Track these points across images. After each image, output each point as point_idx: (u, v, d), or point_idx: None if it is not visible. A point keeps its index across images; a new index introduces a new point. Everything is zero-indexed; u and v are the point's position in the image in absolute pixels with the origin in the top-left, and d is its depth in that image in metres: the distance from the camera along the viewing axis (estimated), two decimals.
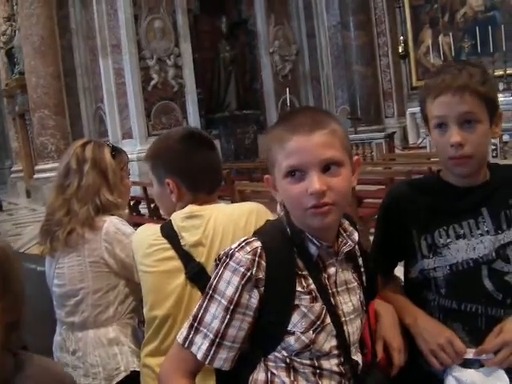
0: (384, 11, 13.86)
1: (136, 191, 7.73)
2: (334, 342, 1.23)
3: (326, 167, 1.19)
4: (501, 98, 10.76)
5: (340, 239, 1.29)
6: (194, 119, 12.20)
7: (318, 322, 1.21)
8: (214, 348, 1.20)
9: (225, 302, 1.20)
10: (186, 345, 1.22)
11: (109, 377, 2.01)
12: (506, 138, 9.40)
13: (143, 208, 8.19)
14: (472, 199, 1.47)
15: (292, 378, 1.22)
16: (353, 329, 1.28)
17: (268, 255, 1.21)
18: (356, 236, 1.31)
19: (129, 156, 2.37)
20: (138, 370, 1.87)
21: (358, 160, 1.28)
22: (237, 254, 1.21)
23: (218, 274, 1.22)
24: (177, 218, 1.62)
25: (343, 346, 1.25)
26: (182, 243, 1.58)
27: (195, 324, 1.22)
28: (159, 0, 11.85)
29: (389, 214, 1.58)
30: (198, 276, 1.54)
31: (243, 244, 1.23)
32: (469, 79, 1.38)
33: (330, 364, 1.24)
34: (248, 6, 14.01)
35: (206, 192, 1.69)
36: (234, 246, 1.23)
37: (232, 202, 6.79)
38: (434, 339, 1.40)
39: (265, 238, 1.24)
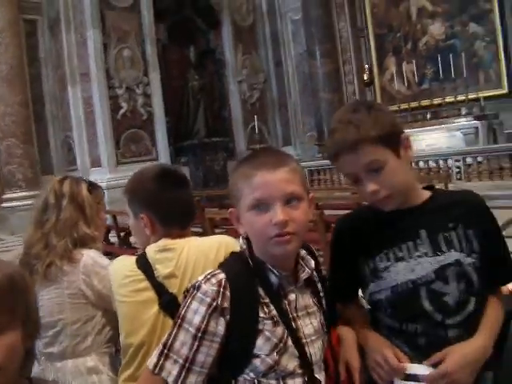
0: (349, 40, 14.21)
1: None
2: (296, 362, 1.33)
3: (288, 201, 1.30)
4: (463, 122, 11.11)
5: (298, 267, 1.40)
6: (163, 147, 12.23)
7: (281, 345, 1.31)
8: (183, 373, 1.27)
9: (193, 330, 1.28)
10: (157, 370, 1.28)
11: None
12: (469, 160, 9.67)
13: (113, 237, 8.16)
14: (410, 221, 1.51)
15: None
16: (314, 349, 1.38)
17: (232, 286, 1.31)
18: (312, 264, 1.43)
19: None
20: None
21: (312, 196, 1.42)
22: (203, 286, 1.30)
23: (186, 304, 1.31)
24: (151, 251, 1.70)
25: (306, 365, 1.34)
26: (156, 275, 1.65)
27: (165, 351, 1.29)
28: (128, 30, 11.95)
29: (338, 247, 1.65)
30: (170, 306, 1.60)
31: (209, 276, 1.33)
32: (357, 132, 1.41)
33: (294, 383, 1.32)
34: (216, 36, 14.20)
35: (178, 227, 1.78)
36: (200, 279, 1.33)
37: (202, 229, 6.83)
38: (372, 356, 1.49)
39: (228, 270, 1.35)
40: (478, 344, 1.45)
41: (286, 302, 1.36)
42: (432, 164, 9.94)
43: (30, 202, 9.35)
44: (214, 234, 6.26)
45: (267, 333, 1.30)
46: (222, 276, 1.32)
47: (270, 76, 15.00)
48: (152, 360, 1.30)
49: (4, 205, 11.54)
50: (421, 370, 1.43)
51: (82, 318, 2.10)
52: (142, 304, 1.65)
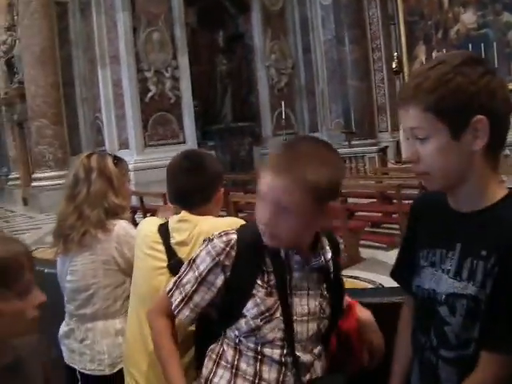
0: (379, 27, 14.10)
1: (132, 201, 7.81)
2: (279, 335, 1.39)
3: None
4: None
5: (315, 252, 1.44)
6: (190, 131, 12.35)
7: (267, 314, 1.38)
8: (182, 304, 1.46)
9: (196, 274, 1.45)
10: (170, 295, 1.48)
11: (113, 364, 2.23)
12: (506, 152, 9.57)
13: (139, 218, 8.30)
14: (456, 227, 1.29)
15: (236, 357, 1.42)
16: (302, 329, 1.42)
17: (239, 248, 1.41)
18: (329, 255, 1.46)
19: None
20: None
21: None
22: (215, 240, 1.44)
23: (200, 250, 1.47)
24: (172, 220, 1.90)
25: (288, 340, 1.40)
26: (172, 241, 1.85)
27: (178, 281, 1.48)
28: (158, 13, 12.04)
29: (409, 220, 1.51)
30: (176, 268, 1.72)
31: (223, 234, 1.45)
32: (414, 89, 1.20)
33: (272, 352, 1.40)
34: (245, 20, 14.24)
35: (180, 206, 1.94)
36: (216, 233, 1.46)
37: (227, 213, 6.92)
38: None
39: (242, 233, 1.45)
40: None
41: (289, 277, 1.42)
42: None
43: (59, 181, 9.56)
44: (238, 217, 6.34)
45: (258, 299, 1.39)
46: (234, 236, 1.43)
47: (299, 62, 14.97)
48: (169, 285, 1.50)
49: (34, 184, 11.80)
50: None
51: (113, 283, 2.27)
52: (154, 259, 1.87)
